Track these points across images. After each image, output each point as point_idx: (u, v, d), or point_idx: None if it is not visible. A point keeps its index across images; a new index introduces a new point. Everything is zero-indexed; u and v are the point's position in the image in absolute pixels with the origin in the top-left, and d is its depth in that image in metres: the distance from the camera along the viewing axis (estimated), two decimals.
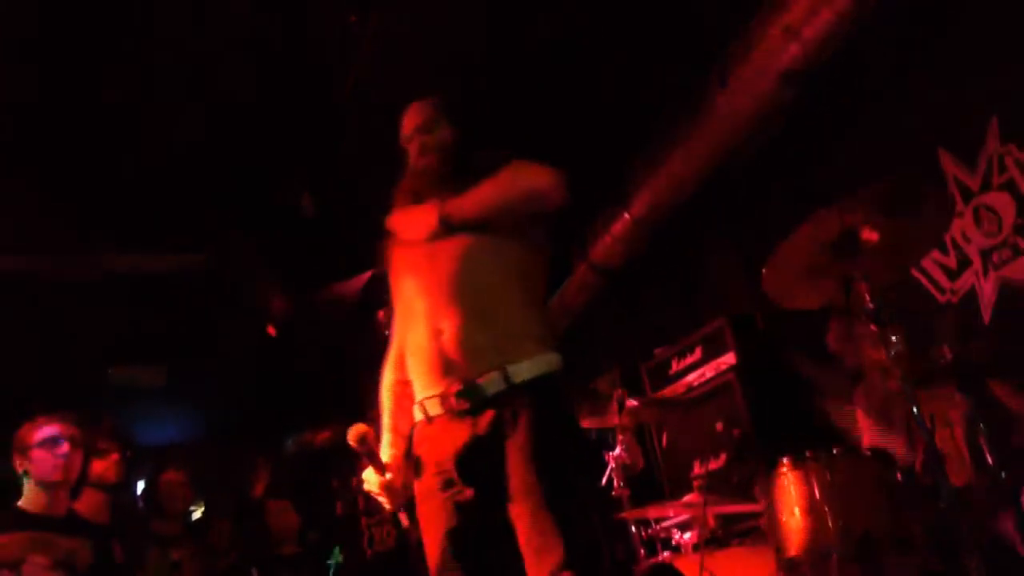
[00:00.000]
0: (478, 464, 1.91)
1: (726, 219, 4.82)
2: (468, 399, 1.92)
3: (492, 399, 1.90)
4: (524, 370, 1.90)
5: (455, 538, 1.89)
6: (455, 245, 2.02)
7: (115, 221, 4.40)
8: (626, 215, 4.64)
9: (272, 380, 6.52)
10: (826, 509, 2.40)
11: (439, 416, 1.98)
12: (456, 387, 1.94)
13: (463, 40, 3.51)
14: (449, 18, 3.42)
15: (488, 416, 1.90)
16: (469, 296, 1.97)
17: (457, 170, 2.11)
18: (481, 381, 1.91)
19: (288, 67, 3.54)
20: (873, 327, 2.43)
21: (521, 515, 1.82)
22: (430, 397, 1.99)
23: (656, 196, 4.45)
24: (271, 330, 5.34)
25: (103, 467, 3.55)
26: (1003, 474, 2.41)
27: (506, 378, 1.89)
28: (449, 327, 1.96)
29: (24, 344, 5.00)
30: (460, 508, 1.90)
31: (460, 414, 1.93)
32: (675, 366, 4.68)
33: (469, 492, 1.90)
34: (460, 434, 1.93)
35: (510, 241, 2.01)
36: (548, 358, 1.94)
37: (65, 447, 3.04)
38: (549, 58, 3.77)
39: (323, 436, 6.75)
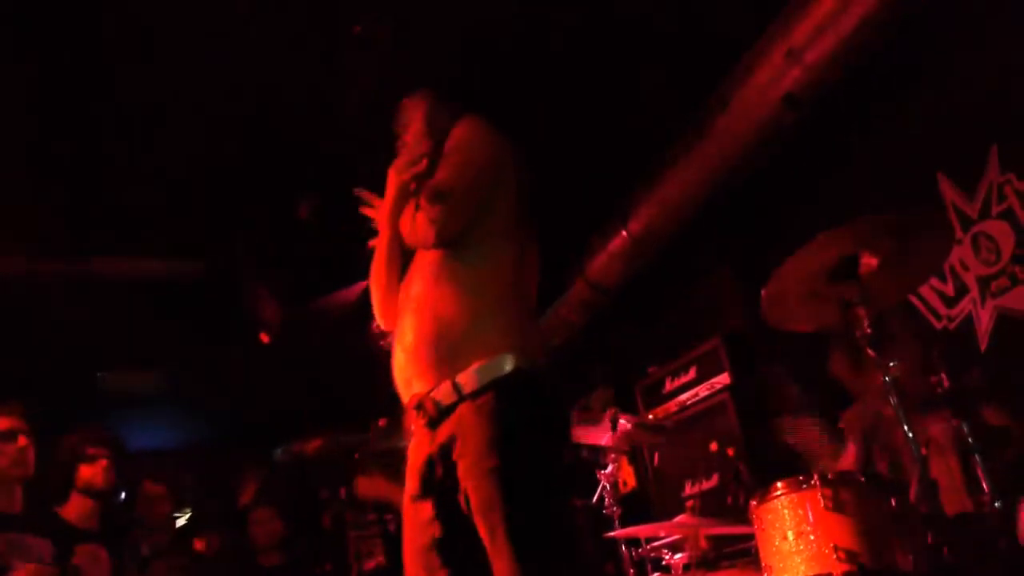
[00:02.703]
0: (437, 478, 1.87)
1: (724, 240, 4.82)
2: (425, 412, 1.90)
3: (447, 410, 1.87)
4: (473, 378, 1.84)
5: (431, 550, 1.85)
6: (417, 253, 2.04)
7: (110, 224, 4.37)
8: (624, 233, 4.64)
9: (264, 388, 6.49)
10: (819, 533, 2.38)
11: (415, 427, 1.97)
12: (414, 400, 1.93)
13: (466, 54, 3.52)
14: (450, 30, 3.43)
15: (445, 428, 1.87)
16: (425, 307, 1.95)
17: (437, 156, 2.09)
18: (435, 394, 1.89)
19: (287, 74, 3.54)
20: (870, 352, 2.44)
21: (481, 533, 1.76)
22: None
23: (654, 215, 4.45)
24: (264, 337, 5.31)
25: (91, 473, 3.51)
26: (997, 503, 2.40)
27: (457, 389, 1.85)
28: (408, 339, 1.96)
29: (15, 346, 4.96)
30: (427, 523, 1.88)
31: (425, 427, 1.92)
32: (669, 385, 4.68)
33: (428, 506, 1.88)
34: (423, 448, 1.92)
35: (466, 249, 1.97)
36: (498, 362, 1.84)
37: (21, 440, 3.02)
38: (553, 75, 3.78)
39: (314, 445, 6.71)
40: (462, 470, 1.80)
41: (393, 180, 2.18)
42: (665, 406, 4.60)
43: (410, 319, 1.98)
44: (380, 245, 2.22)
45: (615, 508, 3.61)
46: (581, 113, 4.04)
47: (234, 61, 3.45)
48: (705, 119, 3.91)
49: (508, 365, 1.84)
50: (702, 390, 4.38)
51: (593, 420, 3.97)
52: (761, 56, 3.54)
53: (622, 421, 3.73)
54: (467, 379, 1.84)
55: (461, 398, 1.84)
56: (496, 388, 1.82)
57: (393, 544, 2.03)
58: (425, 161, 2.10)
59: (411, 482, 1.94)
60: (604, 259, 4.87)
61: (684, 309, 5.26)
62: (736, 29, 3.61)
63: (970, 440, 2.51)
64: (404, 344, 1.97)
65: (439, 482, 1.87)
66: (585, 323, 5.46)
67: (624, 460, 3.94)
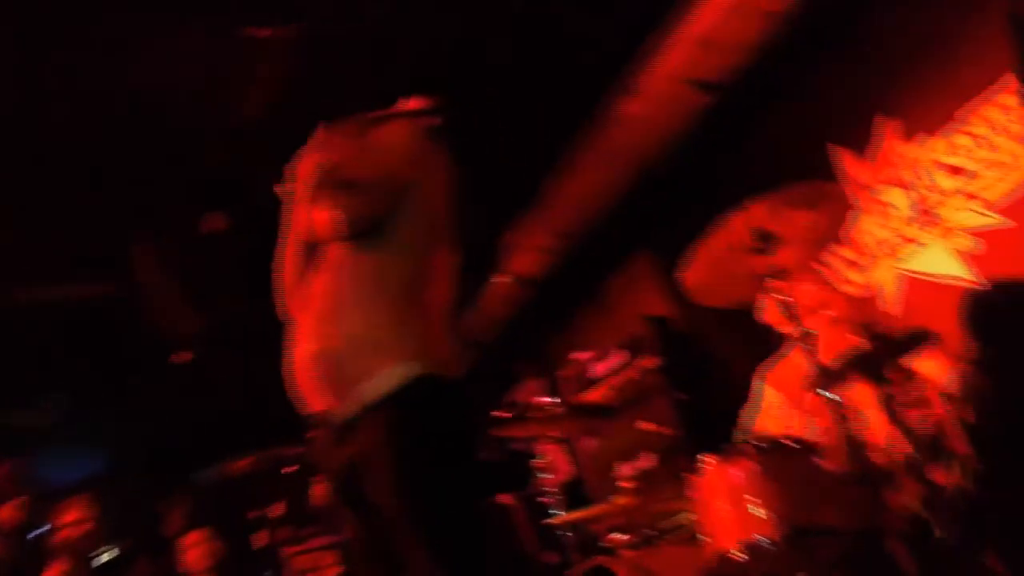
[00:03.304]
0: (350, 492, 1.83)
1: (644, 224, 4.91)
2: (329, 426, 1.85)
3: (351, 423, 1.81)
4: (374, 389, 1.77)
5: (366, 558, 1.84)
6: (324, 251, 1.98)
7: (9, 249, 4.16)
8: (543, 225, 4.68)
9: (185, 409, 6.28)
10: (753, 499, 2.46)
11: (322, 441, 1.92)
12: (318, 414, 1.87)
13: (377, 52, 3.48)
14: (361, 29, 3.38)
15: (351, 442, 1.81)
16: (328, 312, 1.89)
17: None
18: (337, 408, 1.83)
19: (195, 81, 3.43)
20: (788, 323, 2.53)
21: (396, 542, 1.72)
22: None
23: (574, 205, 4.50)
24: (182, 357, 5.15)
25: (5, 512, 3.34)
26: (915, 453, 2.53)
27: (358, 401, 1.79)
28: (308, 347, 1.89)
29: None
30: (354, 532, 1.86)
31: (332, 441, 1.86)
32: (597, 370, 4.74)
33: (351, 516, 1.85)
34: (332, 462, 1.88)
35: (373, 251, 1.90)
36: (400, 371, 1.77)
37: None
38: (465, 71, 3.77)
39: (241, 464, 6.54)
40: (370, 483, 1.76)
41: (303, 170, 2.10)
42: (596, 391, 4.66)
43: (311, 324, 1.91)
44: (287, 236, 2.15)
45: (553, 496, 3.64)
46: (495, 108, 4.04)
47: (130, 67, 3.32)
48: (616, 106, 3.97)
49: (408, 373, 1.77)
50: (630, 372, 4.46)
51: (525, 412, 3.99)
52: (669, 41, 3.61)
53: (553, 409, 3.77)
54: (368, 391, 1.77)
55: (363, 410, 1.78)
56: (397, 399, 1.76)
57: (348, 553, 1.94)
58: (340, 152, 2.04)
59: (331, 495, 1.90)
60: (525, 252, 4.90)
61: (608, 295, 5.33)
62: (643, 15, 3.67)
63: (889, 399, 2.63)
64: (304, 351, 1.90)
65: (352, 495, 1.83)
66: (510, 316, 5.48)
67: (559, 448, 3.97)
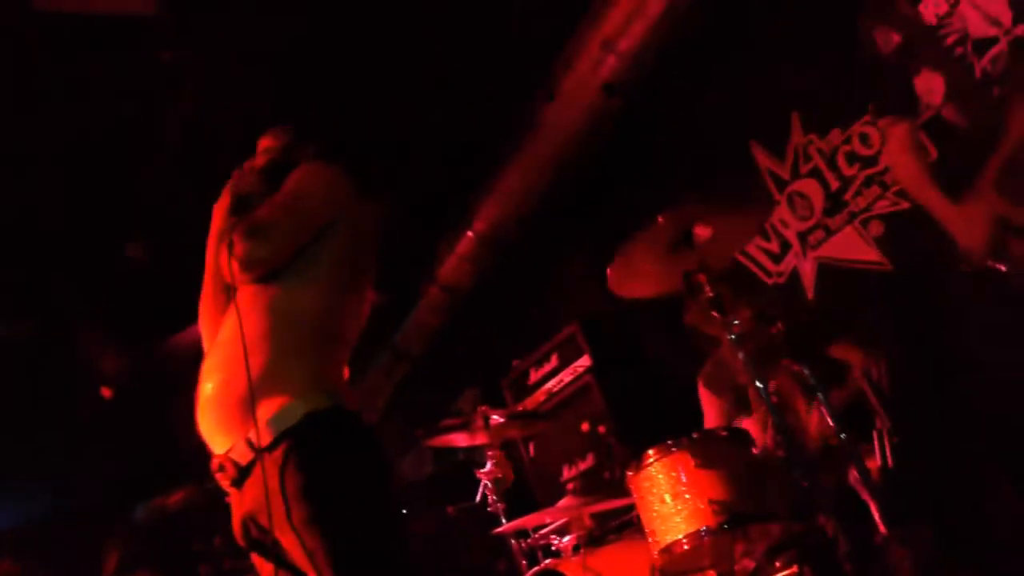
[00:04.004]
0: (255, 537, 1.80)
1: (571, 228, 4.97)
2: (227, 473, 1.80)
3: (247, 469, 1.77)
4: (266, 431, 1.73)
5: None
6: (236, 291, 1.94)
7: None
8: (470, 233, 4.69)
9: (112, 446, 6.07)
10: (694, 491, 2.51)
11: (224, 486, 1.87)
12: (216, 461, 1.83)
13: (293, 65, 3.44)
14: (274, 43, 3.35)
15: (249, 487, 1.77)
16: (225, 354, 1.85)
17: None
18: (232, 454, 1.78)
19: (107, 110, 3.33)
20: (715, 313, 2.60)
21: None
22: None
23: (498, 211, 4.53)
24: (106, 392, 4.98)
25: None
26: (843, 435, 2.62)
27: (251, 445, 1.74)
28: (207, 389, 1.86)
29: None
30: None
31: (231, 486, 1.82)
32: (533, 376, 4.77)
33: (261, 561, 1.82)
34: (235, 508, 1.84)
35: (278, 291, 1.87)
36: (289, 410, 1.74)
37: None
38: (380, 81, 3.76)
39: (176, 498, 6.35)
40: (274, 527, 1.71)
41: (217, 212, 2.07)
42: (533, 396, 4.69)
43: (212, 365, 1.89)
44: (205, 278, 2.11)
45: (499, 504, 3.65)
46: (419, 120, 4.05)
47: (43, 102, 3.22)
48: (533, 113, 4.02)
49: (300, 411, 1.74)
50: (566, 375, 4.49)
51: (465, 422, 3.99)
52: (579, 47, 3.68)
53: (493, 418, 3.77)
54: (259, 433, 1.72)
55: (257, 454, 1.73)
56: (290, 438, 1.72)
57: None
58: (252, 192, 2.01)
59: (238, 538, 1.85)
60: (454, 261, 4.90)
61: (540, 300, 5.37)
62: (555, 22, 3.73)
63: (812, 383, 2.72)
64: (204, 394, 1.86)
65: (258, 540, 1.79)
66: (444, 327, 5.47)
67: (501, 456, 3.97)
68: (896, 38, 2.94)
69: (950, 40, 2.80)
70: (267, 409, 1.74)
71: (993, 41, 2.83)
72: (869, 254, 3.56)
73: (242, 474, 1.78)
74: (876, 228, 3.53)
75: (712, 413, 3.49)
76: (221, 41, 3.15)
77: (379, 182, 2.06)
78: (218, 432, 1.82)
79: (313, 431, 1.73)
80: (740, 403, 3.41)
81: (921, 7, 3.03)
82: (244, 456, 1.76)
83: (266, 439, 1.72)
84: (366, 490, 1.75)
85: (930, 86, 2.91)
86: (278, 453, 1.71)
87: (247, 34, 3.27)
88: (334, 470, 1.73)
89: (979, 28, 2.80)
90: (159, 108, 3.21)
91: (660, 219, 2.69)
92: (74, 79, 3.19)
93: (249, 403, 1.74)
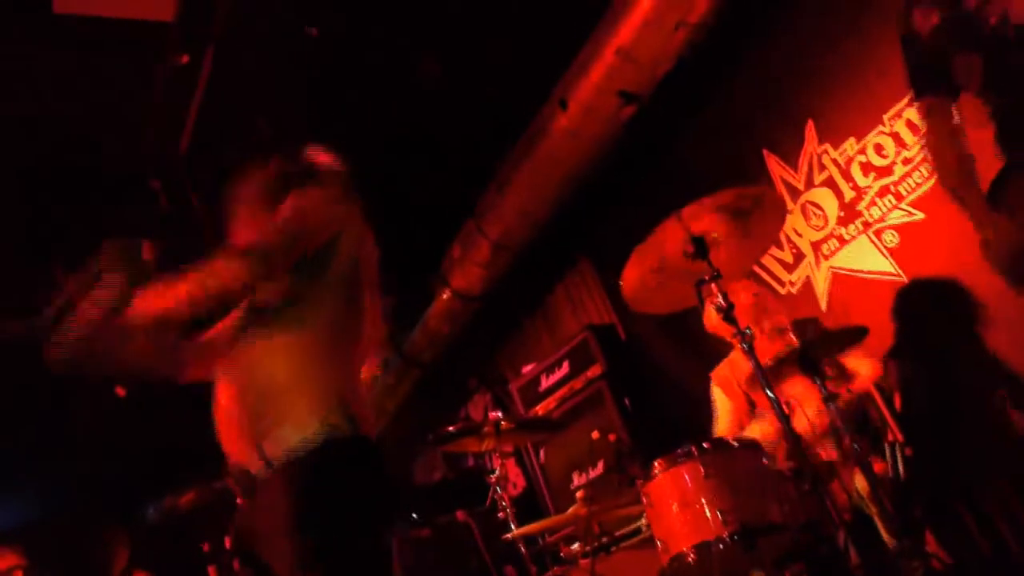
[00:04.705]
0: (250, 549, 1.84)
1: (582, 235, 4.97)
2: (239, 483, 1.84)
3: (259, 482, 1.79)
4: (280, 450, 1.76)
5: None
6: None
7: None
8: (483, 240, 4.70)
9: (122, 445, 6.10)
10: (702, 501, 2.51)
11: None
12: (232, 470, 1.87)
13: (304, 72, 3.46)
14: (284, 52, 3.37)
15: (258, 500, 1.81)
16: (241, 369, 1.89)
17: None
18: (247, 465, 1.82)
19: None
20: (727, 323, 2.59)
21: None
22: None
23: (511, 219, 4.53)
24: (120, 391, 5.00)
25: None
26: (855, 446, 2.61)
27: (264, 460, 1.77)
28: (223, 402, 1.90)
29: None
30: None
31: (243, 496, 1.88)
32: (545, 382, 4.77)
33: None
34: (242, 519, 1.90)
35: (286, 312, 1.88)
36: (307, 432, 1.76)
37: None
38: (396, 91, 3.78)
39: (187, 498, 6.37)
40: (270, 544, 1.75)
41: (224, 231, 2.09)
42: (544, 403, 4.68)
43: (227, 380, 1.92)
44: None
45: (508, 510, 3.65)
46: (429, 127, 4.06)
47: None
48: (547, 120, 4.03)
49: (318, 436, 1.76)
50: (577, 383, 4.49)
51: (475, 428, 3.99)
52: (593, 56, 3.68)
53: (503, 424, 3.77)
54: (274, 450, 1.76)
55: (270, 470, 1.77)
56: (303, 461, 1.74)
57: None
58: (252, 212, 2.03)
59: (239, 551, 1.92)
60: (466, 267, 4.91)
61: (551, 306, 5.37)
62: (568, 30, 3.73)
63: (825, 394, 2.70)
64: (220, 406, 1.90)
65: (248, 553, 1.84)
66: (456, 332, 5.48)
67: (511, 462, 3.98)
68: (935, 18, 2.88)
69: (992, 23, 2.73)
70: (284, 428, 1.77)
71: None
72: (883, 264, 3.54)
73: (253, 486, 1.81)
74: (890, 239, 3.51)
75: (724, 414, 3.48)
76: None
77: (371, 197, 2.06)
78: (235, 442, 1.85)
79: (327, 459, 1.75)
80: (751, 406, 3.40)
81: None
82: (257, 469, 1.79)
83: (280, 457, 1.75)
84: (364, 522, 1.77)
85: (969, 69, 2.85)
86: (290, 473, 1.74)
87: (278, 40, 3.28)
88: (341, 502, 1.75)
89: (1022, 13, 2.74)
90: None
91: (670, 224, 2.68)
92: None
93: (268, 419, 1.78)
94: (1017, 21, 2.52)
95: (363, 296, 1.99)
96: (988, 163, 2.47)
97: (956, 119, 2.56)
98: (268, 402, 1.79)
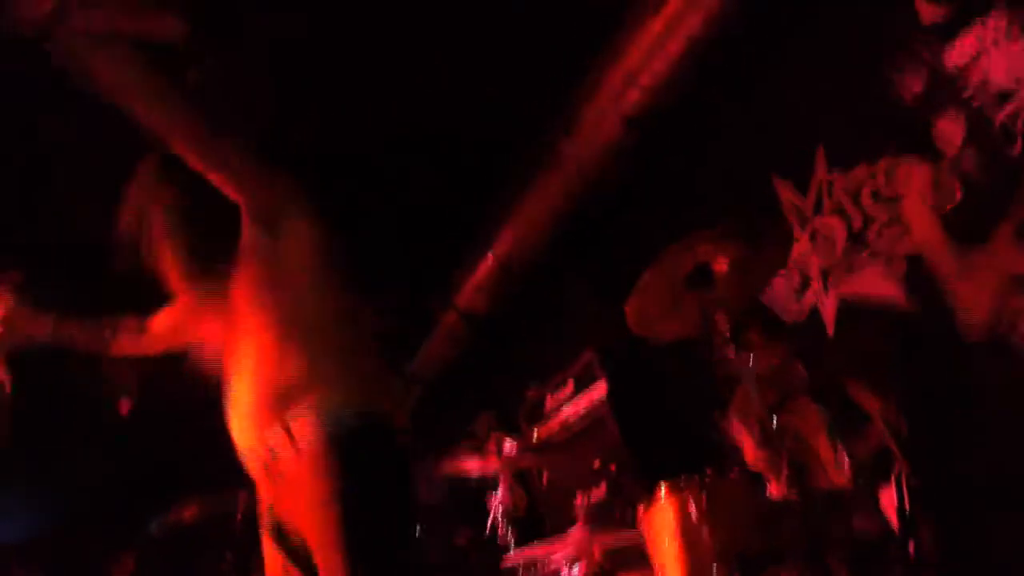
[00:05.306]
0: (278, 527, 1.88)
1: (587, 257, 4.96)
2: (262, 461, 1.87)
3: (283, 460, 1.83)
4: (307, 428, 1.80)
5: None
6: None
7: None
8: (490, 259, 4.70)
9: (126, 460, 6.11)
10: (704, 531, 2.49)
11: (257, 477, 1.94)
12: (252, 449, 1.90)
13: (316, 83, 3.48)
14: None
15: (283, 478, 1.85)
16: (257, 353, 1.92)
17: None
18: (272, 444, 1.85)
19: None
20: (731, 354, 2.58)
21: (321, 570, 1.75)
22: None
23: (516, 241, 4.54)
24: (123, 406, 5.01)
25: None
26: (860, 480, 2.58)
27: (290, 438, 1.81)
28: (242, 386, 1.93)
29: None
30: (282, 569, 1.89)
31: (265, 476, 1.90)
32: (549, 403, 4.75)
33: (278, 555, 1.88)
34: (264, 498, 1.92)
35: (294, 298, 1.94)
36: (334, 410, 1.82)
37: None
38: (403, 105, 3.80)
39: (191, 512, 6.37)
40: (298, 519, 1.80)
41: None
42: (548, 424, 4.67)
43: (243, 365, 1.95)
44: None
45: (509, 531, 3.63)
46: (435, 147, 4.07)
47: None
48: (554, 144, 4.04)
49: (344, 414, 1.81)
50: (581, 404, 4.47)
51: (479, 447, 3.98)
52: (600, 80, 3.69)
53: (507, 445, 3.76)
54: (300, 429, 1.81)
55: (295, 449, 1.81)
56: (330, 439, 1.79)
57: None
58: None
59: (262, 531, 1.93)
60: (472, 287, 4.92)
61: (557, 326, 5.36)
62: (578, 54, 3.74)
63: (831, 423, 2.69)
64: (238, 390, 1.94)
65: (280, 531, 1.87)
66: (461, 351, 5.47)
67: (514, 483, 3.96)
68: (918, 84, 2.93)
69: (971, 90, 2.78)
70: (310, 407, 1.81)
71: (1013, 95, 2.81)
72: (892, 293, 3.52)
73: (277, 464, 1.84)
74: (899, 267, 3.49)
75: (747, 445, 3.45)
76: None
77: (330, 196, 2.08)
78: (255, 423, 1.87)
79: (354, 437, 1.80)
80: (765, 436, 3.37)
81: (944, 55, 3.02)
82: (282, 448, 1.82)
83: (307, 436, 1.79)
84: (393, 493, 1.82)
85: (950, 134, 2.89)
86: (317, 451, 1.78)
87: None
88: (368, 479, 1.79)
89: (1001, 80, 2.78)
90: None
91: (678, 250, 2.68)
92: None
93: (293, 398, 1.82)
94: (997, 87, 2.55)
95: (352, 292, 2.03)
96: None
97: (936, 180, 2.61)
98: (294, 385, 1.84)
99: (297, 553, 1.84)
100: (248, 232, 2.00)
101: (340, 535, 1.71)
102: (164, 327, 2.25)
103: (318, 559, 1.74)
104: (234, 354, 1.98)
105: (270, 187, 1.99)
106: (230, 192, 1.95)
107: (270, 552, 1.92)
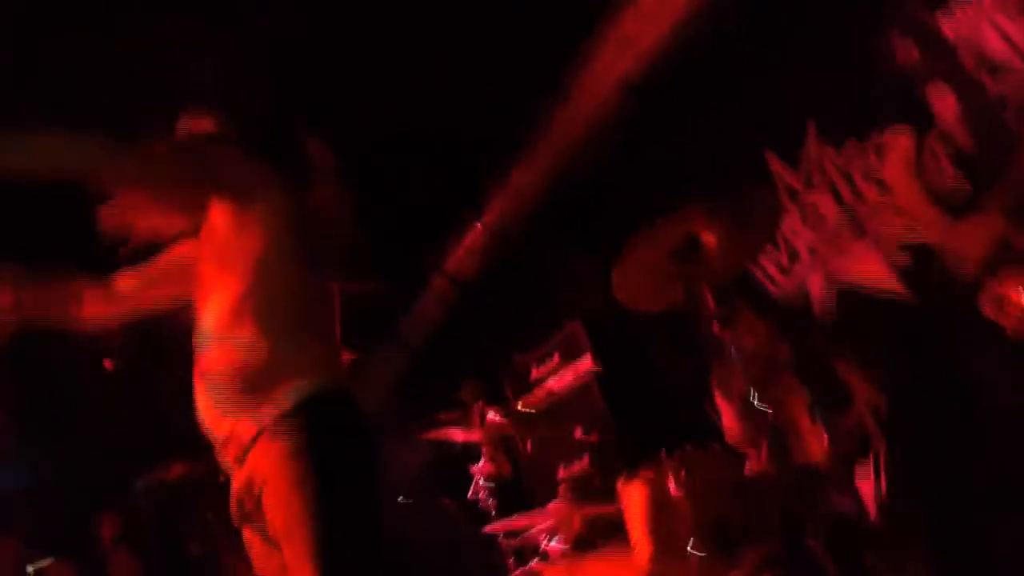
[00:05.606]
0: (248, 511, 1.85)
1: (577, 226, 4.93)
2: (230, 448, 1.85)
3: (249, 445, 1.81)
4: (270, 409, 1.78)
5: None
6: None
7: None
8: (478, 225, 4.67)
9: (112, 417, 6.10)
10: (682, 504, 2.50)
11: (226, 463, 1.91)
12: (220, 437, 1.87)
13: (302, 64, 3.42)
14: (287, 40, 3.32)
15: (249, 463, 1.81)
16: (219, 338, 1.88)
17: None
18: (237, 430, 1.82)
19: None
20: (716, 327, 2.57)
21: (286, 556, 1.74)
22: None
23: (506, 206, 4.51)
24: (108, 364, 4.99)
25: None
26: (838, 458, 2.59)
27: (255, 422, 1.79)
28: (207, 372, 1.89)
29: None
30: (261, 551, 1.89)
31: (234, 462, 1.86)
32: (534, 372, 4.75)
33: (254, 537, 1.88)
34: (234, 482, 1.89)
35: (256, 279, 1.88)
36: (293, 390, 1.80)
37: None
38: (394, 77, 3.74)
39: (176, 471, 6.39)
40: (265, 500, 1.77)
41: None
42: (533, 393, 4.67)
43: (206, 346, 1.91)
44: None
45: (490, 501, 3.64)
46: (431, 113, 4.02)
47: None
48: (548, 108, 3.99)
49: (302, 393, 1.79)
50: (567, 374, 4.47)
51: (463, 416, 3.98)
52: (597, 46, 3.63)
53: (490, 414, 3.76)
54: (264, 411, 1.78)
55: (260, 431, 1.79)
56: (291, 417, 1.77)
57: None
58: None
59: (233, 514, 1.92)
60: (461, 253, 4.89)
61: (544, 295, 5.34)
62: (574, 20, 3.68)
63: (812, 401, 2.69)
64: (204, 376, 1.90)
65: (251, 515, 1.85)
66: (448, 318, 5.46)
67: (498, 450, 3.97)
68: (915, 52, 2.89)
69: (967, 59, 2.74)
70: (271, 390, 1.79)
71: (1009, 65, 2.78)
72: (878, 271, 3.50)
73: (244, 450, 1.81)
74: (887, 245, 3.47)
75: (728, 417, 3.45)
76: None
77: (302, 168, 2.04)
78: (223, 409, 1.85)
79: (313, 413, 1.78)
80: (746, 411, 3.37)
81: (942, 23, 2.97)
82: (247, 432, 1.80)
83: (270, 417, 1.77)
84: (360, 471, 1.80)
85: (944, 103, 2.86)
86: (279, 431, 1.76)
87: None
88: (330, 453, 1.77)
89: (997, 51, 2.75)
90: None
91: (667, 222, 2.66)
92: None
93: (256, 382, 1.80)
94: (993, 58, 2.52)
95: (319, 272, 1.98)
96: None
97: (921, 151, 2.59)
98: (256, 369, 1.81)
99: (270, 538, 1.81)
100: (215, 206, 1.95)
101: (308, 517, 1.69)
102: (130, 287, 2.20)
103: (285, 541, 1.72)
104: (200, 332, 1.93)
105: (245, 173, 1.94)
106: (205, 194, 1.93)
107: (248, 535, 1.91)
